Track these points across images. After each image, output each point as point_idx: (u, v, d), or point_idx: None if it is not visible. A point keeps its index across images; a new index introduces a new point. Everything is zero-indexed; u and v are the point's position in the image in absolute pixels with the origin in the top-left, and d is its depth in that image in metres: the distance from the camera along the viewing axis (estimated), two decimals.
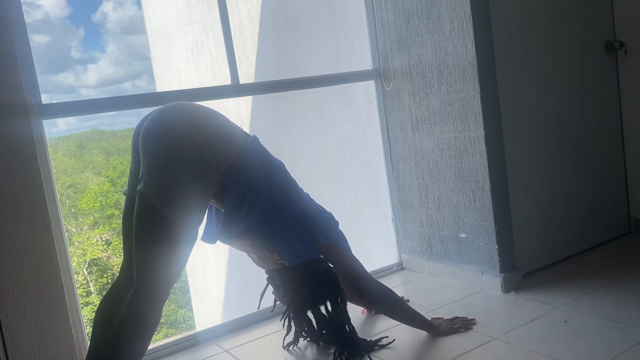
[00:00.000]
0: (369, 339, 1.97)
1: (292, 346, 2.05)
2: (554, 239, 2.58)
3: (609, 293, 2.17)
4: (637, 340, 1.76)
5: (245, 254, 1.97)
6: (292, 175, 1.90)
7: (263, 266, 1.98)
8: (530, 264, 2.49)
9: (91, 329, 1.71)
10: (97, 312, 1.72)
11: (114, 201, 16.07)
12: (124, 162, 17.03)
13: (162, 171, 1.54)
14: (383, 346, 1.95)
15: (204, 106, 1.73)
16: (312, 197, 1.98)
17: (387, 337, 1.99)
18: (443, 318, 2.06)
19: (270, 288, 2.07)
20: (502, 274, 2.32)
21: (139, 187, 1.54)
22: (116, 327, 1.52)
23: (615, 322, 1.91)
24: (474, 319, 2.06)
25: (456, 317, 2.07)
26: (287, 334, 2.06)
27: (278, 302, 2.11)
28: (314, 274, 1.89)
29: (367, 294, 1.91)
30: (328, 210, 1.99)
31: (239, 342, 2.20)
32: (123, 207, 1.71)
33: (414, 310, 1.99)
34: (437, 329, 1.99)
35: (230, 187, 1.67)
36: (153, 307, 1.52)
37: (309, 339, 2.07)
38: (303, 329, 2.01)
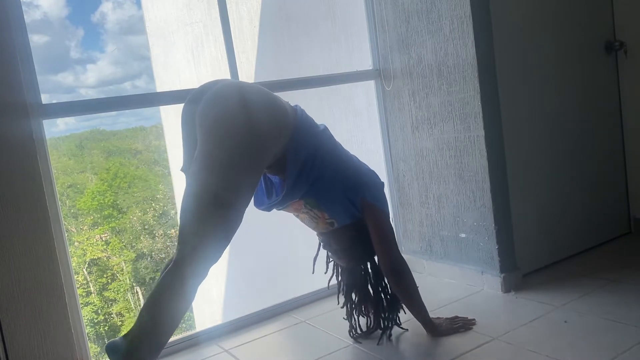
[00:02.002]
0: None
1: (344, 305, 2.11)
2: (554, 239, 2.58)
3: (609, 293, 2.17)
4: (637, 340, 1.76)
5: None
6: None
7: (313, 227, 2.01)
8: (530, 264, 2.49)
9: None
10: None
11: (111, 201, 16.09)
12: (115, 165, 17.06)
13: (220, 154, 1.53)
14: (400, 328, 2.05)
15: (255, 85, 1.75)
16: None
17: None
18: (443, 318, 2.06)
19: (323, 252, 2.13)
20: (502, 274, 2.32)
21: (193, 169, 1.54)
22: (151, 296, 1.52)
23: (615, 322, 1.91)
24: (474, 319, 2.06)
25: (456, 317, 2.07)
26: (339, 293, 2.12)
27: (332, 262, 2.16)
28: (364, 232, 1.94)
29: (389, 261, 1.92)
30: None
31: (239, 342, 2.20)
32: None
33: (422, 302, 1.99)
34: (437, 329, 1.99)
35: (291, 157, 1.71)
36: (190, 285, 1.52)
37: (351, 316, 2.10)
38: (354, 286, 2.07)
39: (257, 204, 1.92)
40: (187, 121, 1.71)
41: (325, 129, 1.90)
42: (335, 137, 1.94)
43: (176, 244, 1.58)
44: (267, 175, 1.91)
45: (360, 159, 2.03)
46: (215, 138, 1.55)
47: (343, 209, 1.88)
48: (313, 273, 2.17)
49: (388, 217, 1.96)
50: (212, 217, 1.51)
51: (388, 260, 1.92)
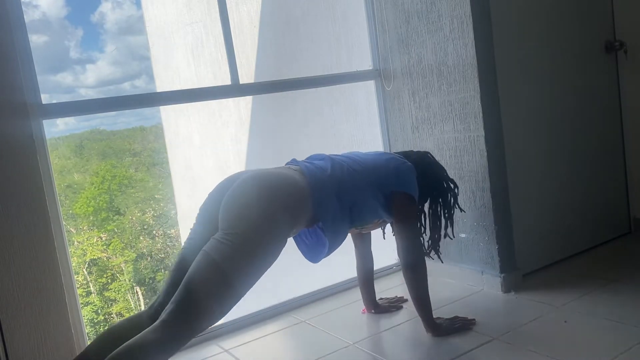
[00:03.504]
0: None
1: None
2: (554, 239, 2.58)
3: (609, 293, 2.17)
4: (637, 340, 1.76)
5: None
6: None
7: (371, 230, 2.15)
8: (530, 264, 2.49)
9: (90, 339, 1.68)
10: (103, 334, 1.68)
11: (105, 204, 16.06)
12: (107, 166, 17.03)
13: (243, 245, 1.58)
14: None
15: (271, 174, 1.76)
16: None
17: None
18: (443, 318, 2.06)
19: None
20: (502, 274, 2.32)
21: (212, 247, 1.56)
22: (120, 350, 1.47)
23: (615, 322, 1.91)
24: (474, 319, 2.06)
25: (456, 317, 2.07)
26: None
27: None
28: (416, 207, 2.06)
29: (407, 250, 1.97)
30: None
31: (239, 342, 2.20)
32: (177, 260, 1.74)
33: (429, 299, 2.01)
34: (437, 329, 2.00)
35: (319, 212, 1.78)
36: (166, 352, 1.50)
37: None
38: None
39: (314, 259, 1.96)
40: (213, 200, 1.75)
41: (332, 162, 1.91)
42: (340, 152, 2.02)
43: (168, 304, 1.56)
44: (309, 228, 1.93)
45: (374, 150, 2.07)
46: (237, 227, 1.59)
47: (386, 210, 1.97)
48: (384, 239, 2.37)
49: (413, 200, 1.99)
50: (216, 294, 1.54)
51: (404, 247, 1.97)
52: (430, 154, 2.17)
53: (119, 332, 1.63)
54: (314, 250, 1.94)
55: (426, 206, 2.17)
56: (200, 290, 1.53)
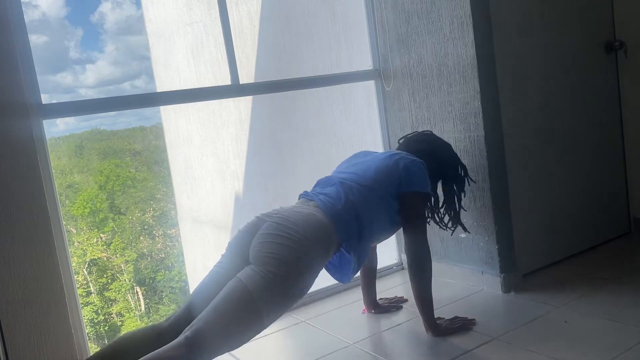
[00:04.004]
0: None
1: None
2: (554, 239, 2.58)
3: (609, 293, 2.17)
4: (637, 340, 1.76)
5: None
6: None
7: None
8: (530, 264, 2.49)
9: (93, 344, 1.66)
10: (106, 349, 1.65)
11: (105, 205, 16.05)
12: (110, 166, 17.02)
13: (277, 283, 1.59)
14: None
15: (296, 213, 1.78)
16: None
17: None
18: (443, 318, 2.06)
19: None
20: (502, 274, 2.32)
21: (245, 280, 1.57)
22: None
23: (615, 322, 1.91)
24: (474, 319, 2.06)
25: (456, 317, 2.07)
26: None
27: None
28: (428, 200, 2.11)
29: (413, 250, 1.98)
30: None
31: None
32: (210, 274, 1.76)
33: (432, 299, 2.00)
34: (437, 329, 2.00)
35: (343, 237, 1.81)
36: None
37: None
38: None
39: (344, 279, 1.96)
40: (242, 237, 1.77)
41: (343, 187, 1.90)
42: (344, 155, 2.04)
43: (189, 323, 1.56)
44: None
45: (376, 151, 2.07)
46: (273, 266, 1.60)
47: (400, 214, 1.98)
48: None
49: (424, 198, 2.01)
50: (243, 321, 1.55)
51: (412, 245, 1.98)
52: (433, 133, 2.22)
53: (123, 347, 1.62)
54: (341, 270, 1.94)
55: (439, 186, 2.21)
56: (229, 316, 1.53)
